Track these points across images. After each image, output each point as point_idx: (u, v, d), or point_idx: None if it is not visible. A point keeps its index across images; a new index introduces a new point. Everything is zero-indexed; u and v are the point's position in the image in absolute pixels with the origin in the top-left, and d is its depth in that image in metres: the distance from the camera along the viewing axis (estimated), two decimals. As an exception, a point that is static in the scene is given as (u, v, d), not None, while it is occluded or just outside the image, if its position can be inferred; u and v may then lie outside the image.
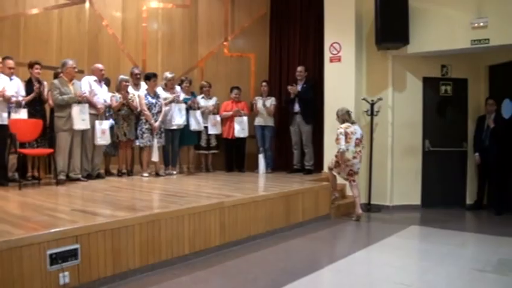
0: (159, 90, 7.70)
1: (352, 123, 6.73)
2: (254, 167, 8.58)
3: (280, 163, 8.97)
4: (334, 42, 7.74)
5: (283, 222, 5.82)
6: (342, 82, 7.62)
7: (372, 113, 7.57)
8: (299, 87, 8.28)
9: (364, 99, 7.64)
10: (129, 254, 3.92)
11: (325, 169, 7.46)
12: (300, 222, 6.10)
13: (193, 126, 7.96)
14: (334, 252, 5.30)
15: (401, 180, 7.73)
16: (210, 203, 4.83)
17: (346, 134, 6.53)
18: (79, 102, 6.51)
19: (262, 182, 7.30)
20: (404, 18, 7.18)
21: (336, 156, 6.76)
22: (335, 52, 7.73)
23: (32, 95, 6.70)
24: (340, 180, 7.02)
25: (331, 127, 7.34)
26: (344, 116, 6.72)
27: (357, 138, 6.63)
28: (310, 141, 8.23)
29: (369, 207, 7.44)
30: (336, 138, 6.58)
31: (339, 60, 7.69)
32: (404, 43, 7.29)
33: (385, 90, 7.70)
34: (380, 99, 7.58)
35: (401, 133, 7.74)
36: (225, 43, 9.38)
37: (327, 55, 7.83)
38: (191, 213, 4.54)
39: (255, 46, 9.50)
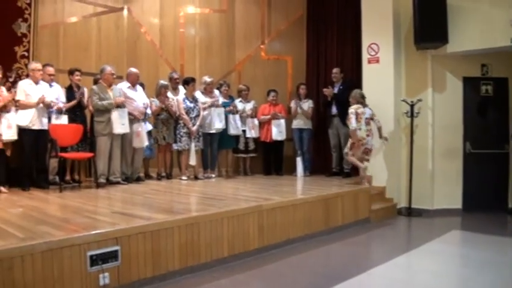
0: (198, 94, 7.75)
1: (364, 106, 6.99)
2: (292, 170, 8.52)
3: (319, 166, 8.88)
4: (372, 43, 7.61)
5: (322, 225, 5.74)
6: (380, 83, 7.47)
7: (411, 115, 7.40)
8: (335, 89, 8.20)
9: (403, 100, 7.48)
10: (169, 256, 3.94)
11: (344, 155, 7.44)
12: (339, 226, 6.00)
13: (232, 131, 7.99)
14: (374, 257, 5.19)
15: (442, 184, 7.50)
16: (249, 206, 4.82)
17: (356, 114, 6.88)
18: (118, 106, 6.61)
19: (300, 185, 7.24)
20: (443, 17, 6.98)
21: (350, 137, 6.99)
22: (373, 53, 7.60)
23: (73, 102, 6.87)
24: (378, 182, 6.90)
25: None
26: (358, 98, 7.05)
27: (366, 118, 6.92)
28: (349, 143, 8.12)
29: (409, 211, 7.27)
30: (347, 118, 6.97)
31: (377, 61, 7.55)
32: (443, 42, 7.09)
33: (425, 91, 7.51)
34: (420, 100, 7.40)
35: (442, 135, 7.51)
36: (261, 46, 9.38)
37: (365, 56, 7.69)
38: (230, 216, 4.53)
39: (291, 48, 9.47)
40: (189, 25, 9.22)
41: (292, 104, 8.67)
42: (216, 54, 9.27)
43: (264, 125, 8.53)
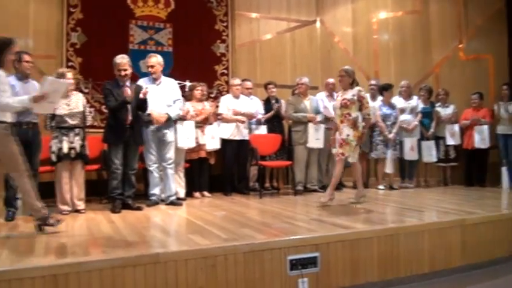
0: (396, 99, 7.56)
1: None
2: (497, 182, 7.67)
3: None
4: None
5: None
6: None
7: None
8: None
9: None
10: (367, 266, 3.87)
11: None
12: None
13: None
14: None
15: None
16: (451, 220, 4.49)
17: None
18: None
19: (505, 199, 6.49)
20: None
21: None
22: None
23: (271, 113, 7.29)
24: None
25: None
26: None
27: (344, 98, 5.67)
28: None
29: None
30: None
31: None
32: None
33: None
34: None
35: None
36: (459, 46, 8.76)
37: None
38: (430, 229, 4.27)
39: (491, 46, 8.65)
40: (382, 30, 9.05)
41: (495, 107, 7.86)
42: (411, 58, 8.91)
43: (466, 131, 7.87)
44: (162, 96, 5.87)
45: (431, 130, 7.72)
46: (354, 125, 5.57)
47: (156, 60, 5.88)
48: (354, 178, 6.03)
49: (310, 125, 6.90)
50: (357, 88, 5.66)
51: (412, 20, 8.98)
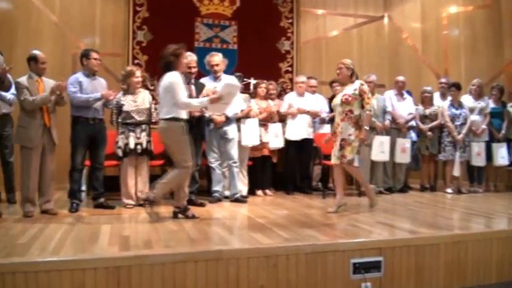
0: (465, 99, 7.26)
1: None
2: None
3: None
4: None
5: None
6: None
7: None
8: None
9: None
10: (433, 273, 3.76)
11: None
12: None
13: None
14: None
15: None
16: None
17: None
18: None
19: None
20: None
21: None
22: None
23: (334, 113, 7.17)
24: None
25: None
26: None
27: (345, 94, 5.17)
28: None
29: None
30: None
31: None
32: None
33: None
34: None
35: None
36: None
37: None
38: (499, 238, 4.08)
39: None
40: (452, 25, 8.69)
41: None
42: (482, 55, 8.45)
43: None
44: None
45: (503, 132, 7.31)
46: (356, 123, 5.10)
47: (219, 58, 5.95)
48: (336, 181, 5.43)
49: (377, 138, 6.67)
50: (358, 81, 5.21)
51: (483, 15, 8.55)
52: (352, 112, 5.10)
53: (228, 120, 5.93)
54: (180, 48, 4.56)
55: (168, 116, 4.49)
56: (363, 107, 5.13)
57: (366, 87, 5.19)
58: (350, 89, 5.18)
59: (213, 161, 5.97)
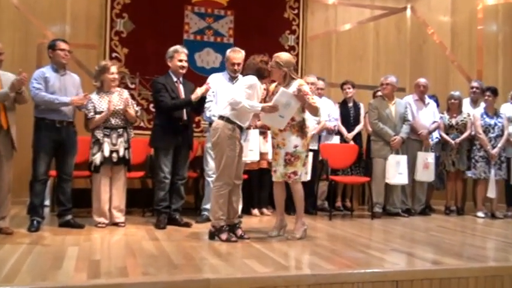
0: (505, 108, 7.29)
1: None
2: None
3: None
4: None
5: None
6: None
7: None
8: None
9: None
10: (460, 312, 3.75)
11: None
12: None
13: None
14: None
15: None
16: None
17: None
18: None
19: None
20: None
21: None
22: None
23: (357, 128, 7.26)
24: None
25: None
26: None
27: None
28: None
29: None
30: None
31: None
32: None
33: None
34: None
35: None
36: None
37: None
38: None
39: None
40: (489, 20, 8.74)
41: None
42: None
43: None
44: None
45: (548, 146, 7.33)
46: (300, 131, 4.89)
47: (242, 56, 5.94)
48: (276, 200, 5.19)
49: (391, 157, 6.64)
50: (297, 81, 4.94)
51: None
52: (293, 119, 4.86)
53: None
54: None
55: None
56: (303, 110, 4.92)
57: (305, 87, 4.90)
58: None
59: (211, 173, 5.73)
